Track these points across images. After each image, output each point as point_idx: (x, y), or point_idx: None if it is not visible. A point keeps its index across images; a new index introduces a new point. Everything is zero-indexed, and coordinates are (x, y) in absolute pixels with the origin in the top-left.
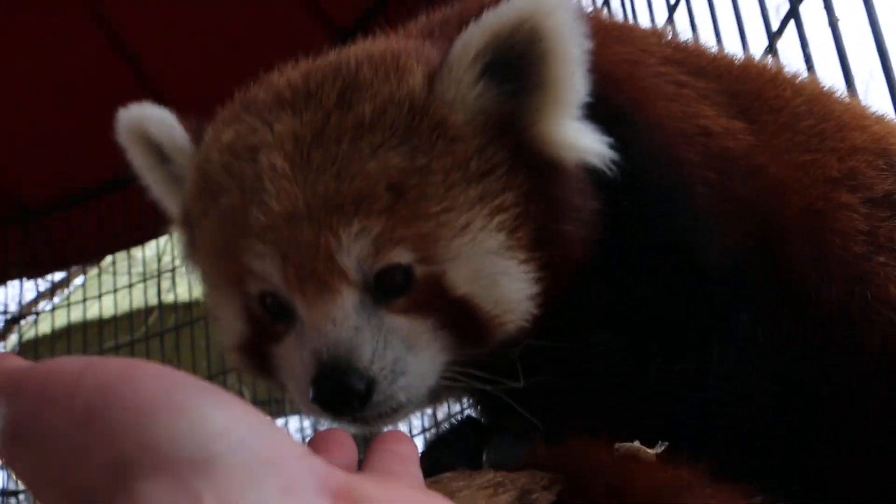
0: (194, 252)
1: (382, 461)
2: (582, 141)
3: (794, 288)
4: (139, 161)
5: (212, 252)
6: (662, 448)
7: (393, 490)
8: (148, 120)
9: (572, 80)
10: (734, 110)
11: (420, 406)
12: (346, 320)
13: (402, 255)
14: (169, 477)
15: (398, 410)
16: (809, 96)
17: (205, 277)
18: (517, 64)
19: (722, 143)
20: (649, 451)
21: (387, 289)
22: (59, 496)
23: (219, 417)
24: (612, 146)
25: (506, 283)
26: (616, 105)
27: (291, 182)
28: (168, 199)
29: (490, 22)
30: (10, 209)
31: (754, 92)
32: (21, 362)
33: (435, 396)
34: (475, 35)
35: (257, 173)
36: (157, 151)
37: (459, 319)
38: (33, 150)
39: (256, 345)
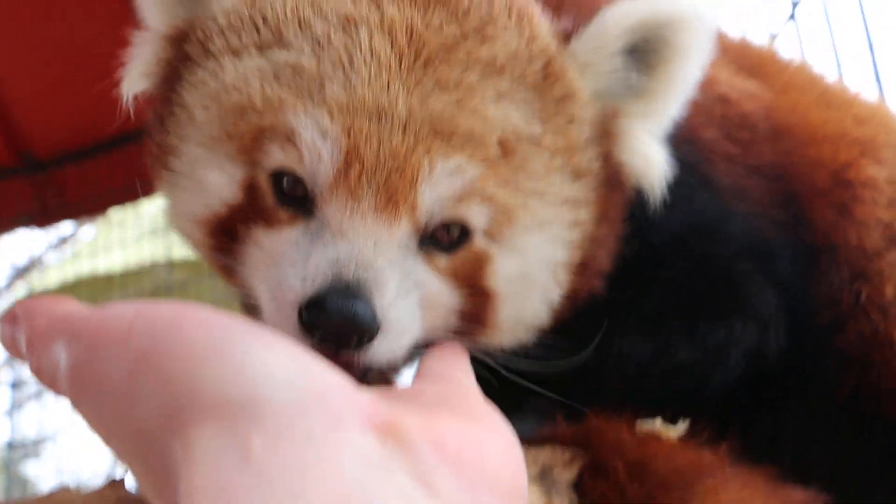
0: (181, 85)
1: (433, 367)
2: (655, 157)
3: (812, 260)
4: None
5: (224, 99)
6: (684, 427)
7: (435, 422)
8: None
9: (678, 97)
10: (744, 75)
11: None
12: (387, 251)
13: (479, 216)
14: (218, 421)
15: (389, 369)
16: (808, 75)
17: (190, 123)
18: (641, 58)
19: (740, 109)
20: (670, 429)
21: (435, 240)
22: (120, 438)
23: (263, 360)
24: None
25: (534, 301)
26: None
27: (396, 79)
28: (156, 2)
29: (650, 3)
30: (19, 160)
31: (756, 66)
32: (78, 306)
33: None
34: (632, 10)
35: (348, 48)
36: None
37: (469, 310)
38: (43, 103)
39: (234, 223)
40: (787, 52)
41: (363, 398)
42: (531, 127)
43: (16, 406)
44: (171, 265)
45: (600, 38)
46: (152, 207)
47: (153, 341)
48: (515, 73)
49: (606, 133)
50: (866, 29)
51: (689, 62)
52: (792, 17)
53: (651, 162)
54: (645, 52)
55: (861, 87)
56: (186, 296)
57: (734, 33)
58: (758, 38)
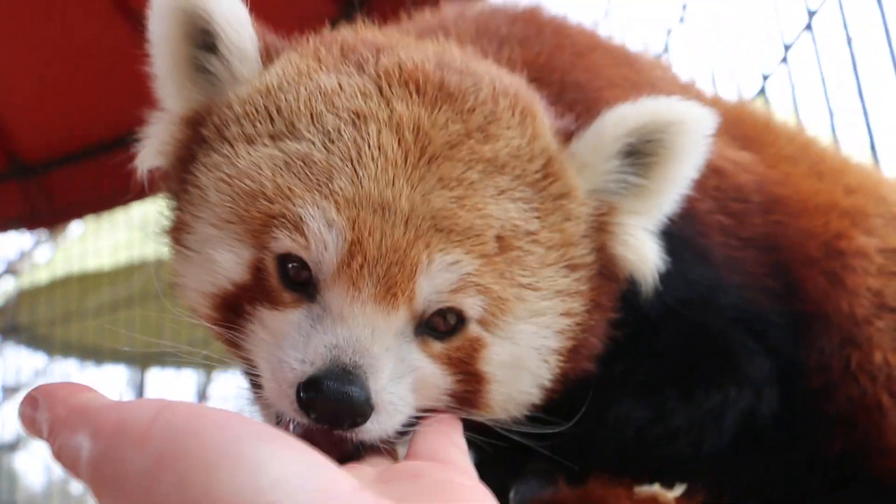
0: (196, 165)
1: (428, 446)
2: (649, 251)
3: (804, 328)
4: (168, 28)
5: (237, 184)
6: (681, 490)
7: None
8: (217, 2)
9: (673, 196)
10: (738, 145)
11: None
12: (384, 338)
13: (474, 306)
14: None
15: (377, 445)
16: (800, 142)
17: (204, 203)
18: (638, 158)
19: (734, 181)
20: (668, 493)
21: (432, 326)
22: None
23: (275, 465)
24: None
25: (525, 384)
26: None
27: (401, 175)
28: (173, 82)
29: (647, 108)
30: (9, 165)
31: (750, 135)
32: (97, 397)
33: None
34: (630, 114)
35: (357, 143)
36: (199, 33)
37: (461, 392)
38: (34, 108)
39: (240, 301)
40: (779, 93)
41: (368, 499)
42: (528, 223)
43: (3, 400)
44: (160, 264)
45: (599, 141)
46: (142, 207)
47: (171, 443)
48: (516, 171)
49: (602, 227)
50: (856, 72)
51: (685, 164)
52: (784, 59)
53: (645, 256)
54: (642, 152)
55: (850, 128)
56: (176, 299)
57: (729, 84)
58: (750, 80)
